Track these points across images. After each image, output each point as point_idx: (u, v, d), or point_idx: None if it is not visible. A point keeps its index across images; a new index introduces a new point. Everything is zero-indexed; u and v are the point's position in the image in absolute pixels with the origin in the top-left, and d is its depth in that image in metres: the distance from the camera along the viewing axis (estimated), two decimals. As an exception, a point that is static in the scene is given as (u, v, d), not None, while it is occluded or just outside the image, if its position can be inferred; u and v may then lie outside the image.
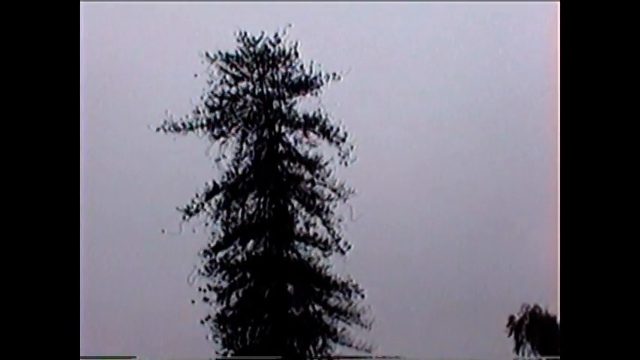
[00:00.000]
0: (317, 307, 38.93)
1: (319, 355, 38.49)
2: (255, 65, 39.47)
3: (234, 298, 38.63)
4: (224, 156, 38.92)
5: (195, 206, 38.51)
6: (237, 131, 39.35)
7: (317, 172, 39.15)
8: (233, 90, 39.45)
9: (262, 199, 39.20)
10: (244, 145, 39.30)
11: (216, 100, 39.16)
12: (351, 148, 38.78)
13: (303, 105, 39.43)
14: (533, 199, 52.36)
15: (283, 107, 39.59)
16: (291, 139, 39.50)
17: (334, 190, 38.88)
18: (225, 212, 38.87)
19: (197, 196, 38.60)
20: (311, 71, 39.19)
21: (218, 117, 39.10)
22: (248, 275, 38.89)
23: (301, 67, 39.35)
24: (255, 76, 39.52)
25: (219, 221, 38.78)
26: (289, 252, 39.06)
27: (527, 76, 54.10)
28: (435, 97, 56.27)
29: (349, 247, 38.64)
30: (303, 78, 39.31)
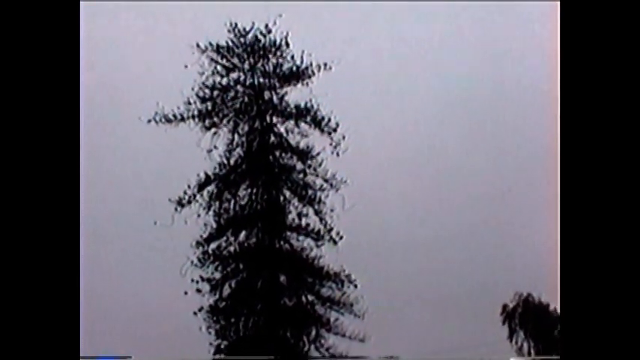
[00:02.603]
0: (310, 298, 38.93)
1: (314, 346, 38.51)
2: (246, 56, 39.39)
3: (227, 289, 38.60)
4: (216, 147, 38.90)
5: (187, 197, 38.45)
6: (228, 122, 39.29)
7: (309, 162, 39.13)
8: (224, 81, 39.39)
9: (254, 190, 39.17)
10: (236, 136, 39.26)
11: (207, 91, 39.09)
12: (343, 138, 38.78)
13: (295, 95, 39.42)
14: (526, 188, 52.52)
15: (274, 98, 39.54)
16: (282, 129, 39.48)
17: (326, 181, 38.87)
18: (217, 203, 38.83)
19: (189, 187, 38.56)
20: (302, 61, 39.17)
21: (209, 108, 39.01)
22: (241, 266, 38.86)
23: (292, 57, 39.32)
24: (246, 66, 39.45)
25: (211, 212, 38.74)
26: (282, 242, 39.04)
27: (521, 67, 54.28)
28: (427, 86, 56.35)
29: (341, 237, 38.64)
30: (294, 68, 39.25)
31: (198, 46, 38.62)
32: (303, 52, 39.05)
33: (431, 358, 43.11)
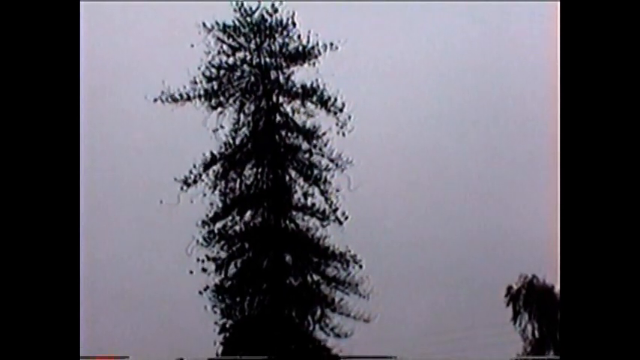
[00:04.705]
0: (315, 277, 38.98)
1: (318, 326, 38.54)
2: (252, 35, 39.35)
3: (232, 269, 38.67)
4: (222, 126, 38.90)
5: (193, 177, 38.48)
6: (234, 102, 39.28)
7: (315, 142, 39.12)
8: (230, 60, 39.39)
9: (260, 170, 39.18)
10: (242, 116, 39.25)
11: (214, 70, 39.07)
12: (349, 118, 38.74)
13: (301, 75, 39.39)
14: (531, 170, 52.47)
15: (281, 77, 39.53)
16: (288, 109, 39.46)
17: (332, 160, 38.87)
18: (223, 183, 38.86)
19: (195, 166, 38.58)
20: (308, 41, 39.11)
21: (215, 87, 39.00)
22: (246, 245, 38.91)
23: (298, 37, 39.29)
24: (253, 46, 39.40)
25: (217, 192, 38.81)
26: (287, 222, 39.08)
27: (525, 49, 54.16)
28: (433, 65, 56.25)
29: (347, 217, 38.66)
30: (300, 48, 39.20)
31: (204, 25, 38.61)
32: (309, 31, 39.05)
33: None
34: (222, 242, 38.55)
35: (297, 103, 39.26)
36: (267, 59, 39.43)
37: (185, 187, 38.26)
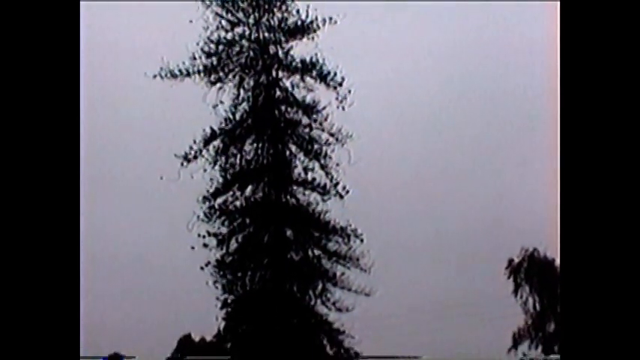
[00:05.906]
0: (316, 252, 38.97)
1: (320, 301, 38.62)
2: (251, 10, 39.24)
3: (233, 244, 38.67)
4: (221, 102, 38.80)
5: (193, 153, 38.41)
6: (234, 77, 39.18)
7: (315, 116, 39.04)
8: (229, 35, 39.27)
9: (260, 145, 39.13)
10: (241, 91, 39.15)
11: (213, 46, 38.95)
12: (349, 92, 38.66)
13: (300, 49, 39.28)
14: (532, 145, 52.49)
15: (280, 52, 39.41)
16: (288, 84, 39.36)
17: (332, 135, 38.79)
18: (223, 158, 38.80)
19: (195, 142, 38.48)
20: (307, 16, 39.01)
21: (215, 63, 38.89)
22: (247, 221, 38.90)
23: (297, 11, 39.17)
24: (252, 21, 39.30)
25: (217, 167, 38.74)
26: (288, 197, 39.05)
27: (525, 28, 54.09)
28: (432, 39, 56.14)
29: (347, 192, 38.62)
30: (299, 22, 39.09)
31: (202, 0, 38.47)
32: (308, 6, 38.91)
33: None
34: (223, 218, 38.52)
35: (297, 77, 39.19)
36: (266, 34, 39.33)
37: (185, 163, 38.22)
